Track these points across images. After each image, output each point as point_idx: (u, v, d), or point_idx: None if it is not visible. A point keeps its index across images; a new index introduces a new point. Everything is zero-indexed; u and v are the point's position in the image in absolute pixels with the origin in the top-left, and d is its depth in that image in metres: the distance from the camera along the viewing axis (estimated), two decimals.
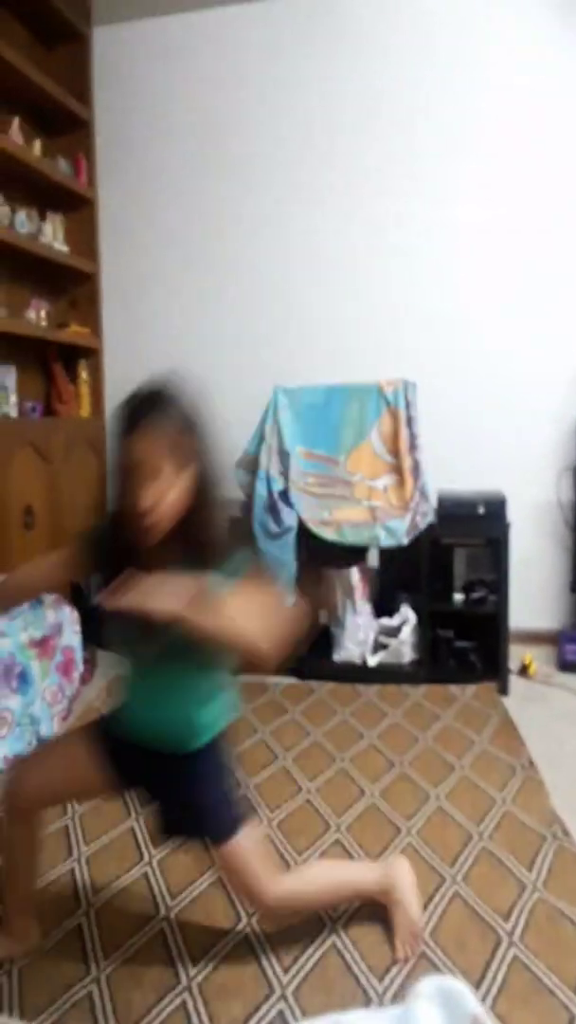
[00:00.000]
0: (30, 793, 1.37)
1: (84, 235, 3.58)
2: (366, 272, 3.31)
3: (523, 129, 3.11)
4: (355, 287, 3.33)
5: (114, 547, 1.26)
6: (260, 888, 1.33)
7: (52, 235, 3.37)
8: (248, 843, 1.33)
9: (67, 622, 2.61)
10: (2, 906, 1.45)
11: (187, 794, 1.32)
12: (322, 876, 1.47)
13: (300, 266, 3.37)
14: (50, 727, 2.36)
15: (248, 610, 1.14)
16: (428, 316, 3.26)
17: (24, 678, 2.30)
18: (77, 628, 2.67)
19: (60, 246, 3.41)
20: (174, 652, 1.19)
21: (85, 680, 2.73)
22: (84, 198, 3.53)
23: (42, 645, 2.42)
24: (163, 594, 1.09)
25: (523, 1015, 1.23)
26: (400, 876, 1.48)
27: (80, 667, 2.64)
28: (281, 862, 1.68)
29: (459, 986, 0.47)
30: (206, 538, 1.22)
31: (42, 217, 3.34)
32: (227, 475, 1.30)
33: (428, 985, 0.48)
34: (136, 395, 1.21)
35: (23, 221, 3.15)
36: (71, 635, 2.61)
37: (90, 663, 2.82)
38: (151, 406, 1.18)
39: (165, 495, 1.17)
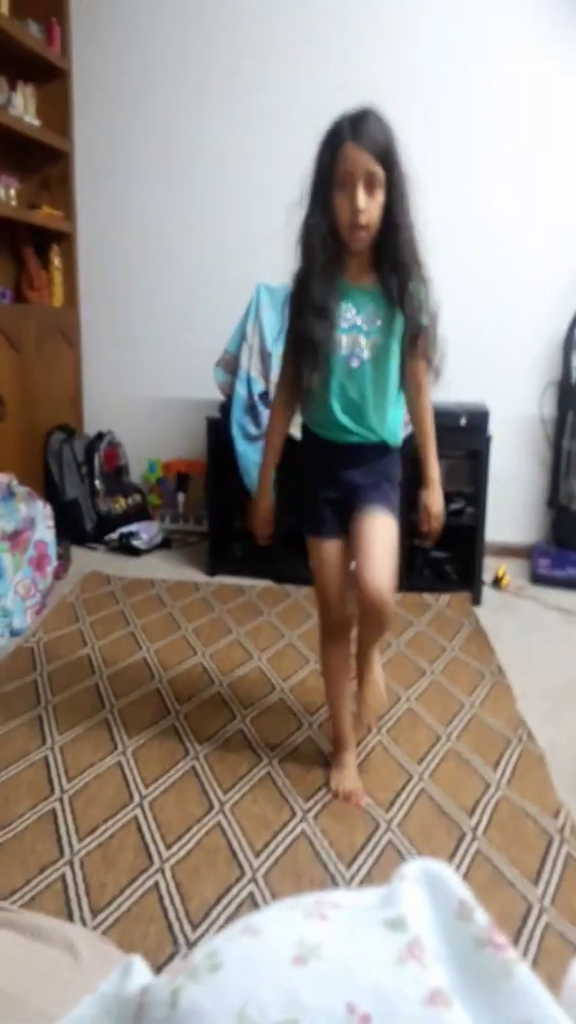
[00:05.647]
0: (338, 601, 1.57)
1: (57, 110, 3.29)
2: None
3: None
4: None
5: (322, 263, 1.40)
6: (389, 566, 1.47)
7: (23, 107, 3.09)
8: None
9: (40, 516, 2.55)
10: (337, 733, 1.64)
11: (384, 473, 1.52)
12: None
13: (289, 154, 3.07)
14: (23, 620, 2.34)
15: None
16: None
17: None
18: (50, 523, 2.61)
19: (31, 119, 3.13)
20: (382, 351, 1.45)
21: (59, 575, 2.70)
22: (57, 68, 3.21)
23: (14, 538, 2.37)
24: None
25: (484, 905, 1.28)
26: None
27: (54, 562, 2.61)
28: (254, 757, 1.71)
29: (445, 869, 0.45)
30: (403, 258, 1.38)
31: (11, 87, 3.05)
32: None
33: (412, 867, 0.46)
34: (351, 112, 1.32)
35: None
36: (44, 529, 2.56)
37: (64, 558, 2.79)
38: (372, 118, 1.31)
39: (380, 203, 1.33)
